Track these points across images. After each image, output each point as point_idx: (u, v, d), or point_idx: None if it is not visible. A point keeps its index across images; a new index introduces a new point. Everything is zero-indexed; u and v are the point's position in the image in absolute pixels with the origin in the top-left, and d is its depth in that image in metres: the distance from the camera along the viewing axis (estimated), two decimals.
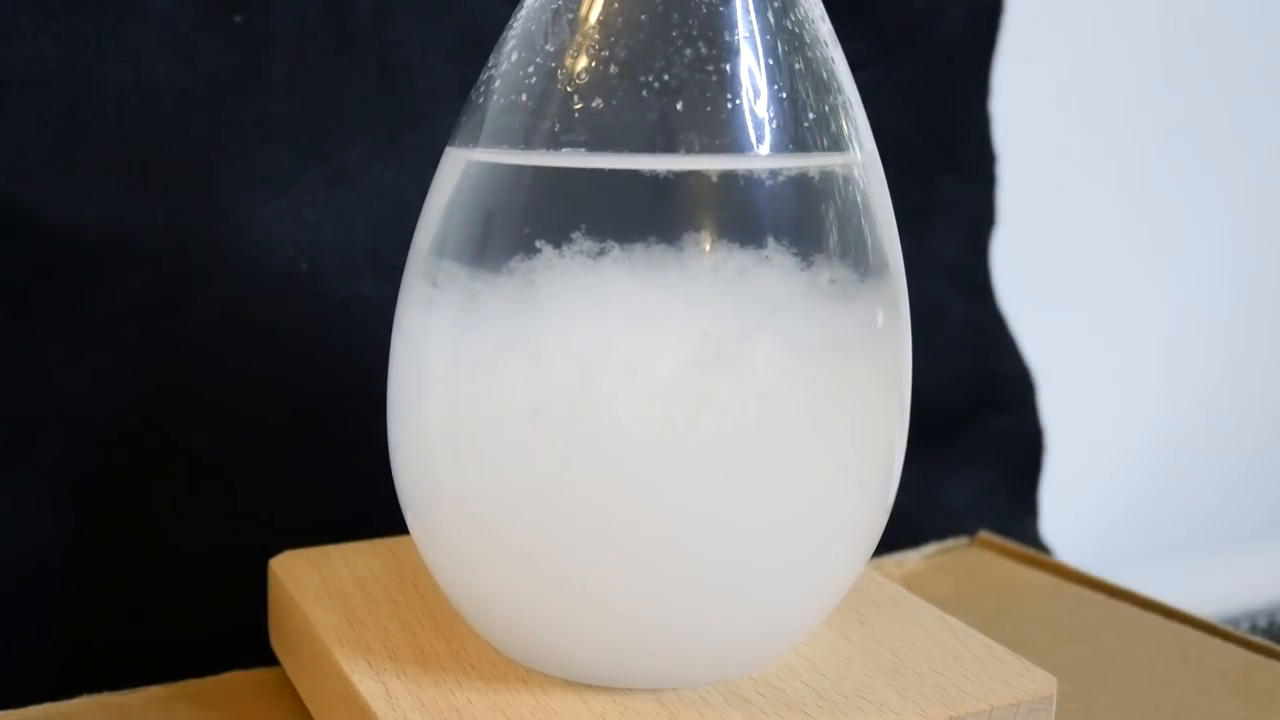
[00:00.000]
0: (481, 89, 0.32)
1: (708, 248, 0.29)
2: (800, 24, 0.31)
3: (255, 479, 0.45)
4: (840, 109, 0.31)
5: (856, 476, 0.32)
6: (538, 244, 0.30)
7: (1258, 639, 0.44)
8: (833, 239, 0.31)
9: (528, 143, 0.30)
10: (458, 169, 0.32)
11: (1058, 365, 0.64)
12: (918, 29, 0.57)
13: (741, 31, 0.30)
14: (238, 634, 0.42)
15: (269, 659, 0.41)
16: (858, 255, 0.31)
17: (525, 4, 0.32)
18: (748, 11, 0.30)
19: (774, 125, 0.30)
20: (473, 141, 0.32)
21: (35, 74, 0.41)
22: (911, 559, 0.51)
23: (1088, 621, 0.45)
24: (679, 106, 0.29)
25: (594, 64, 0.30)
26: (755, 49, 0.30)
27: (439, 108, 0.46)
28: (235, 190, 0.44)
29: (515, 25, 0.32)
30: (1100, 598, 0.47)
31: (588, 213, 0.30)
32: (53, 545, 0.43)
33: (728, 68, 0.30)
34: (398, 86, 0.46)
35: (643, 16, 0.30)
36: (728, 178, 0.30)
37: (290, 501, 0.46)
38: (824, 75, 0.31)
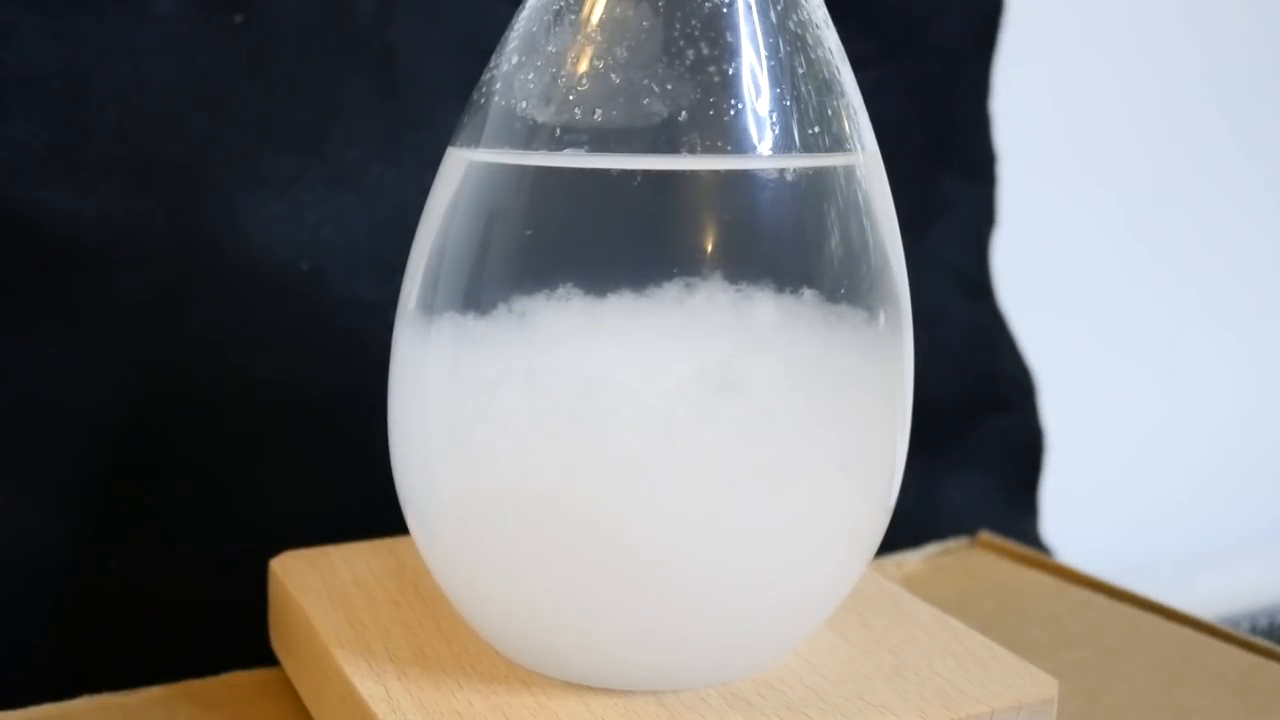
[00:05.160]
0: (483, 90, 0.32)
1: (709, 248, 0.29)
2: (803, 25, 0.31)
3: (255, 479, 0.45)
4: (842, 109, 0.31)
5: (858, 481, 0.32)
6: (539, 252, 0.30)
7: (1258, 640, 0.44)
8: (835, 239, 0.31)
9: (530, 144, 0.30)
10: (459, 170, 0.32)
11: (1058, 365, 0.64)
12: (918, 29, 0.57)
13: (743, 32, 0.30)
14: (238, 634, 0.42)
15: (269, 659, 0.41)
16: (860, 256, 0.31)
17: (527, 4, 0.32)
18: (750, 12, 0.30)
19: (776, 126, 0.30)
20: (474, 142, 0.32)
21: (35, 74, 0.41)
22: (912, 560, 0.51)
23: (1088, 623, 0.45)
24: (681, 107, 0.29)
25: (596, 65, 0.30)
26: (757, 50, 0.30)
27: (439, 108, 0.46)
28: (235, 190, 0.44)
29: (517, 26, 0.32)
30: (1101, 599, 0.47)
31: (589, 215, 0.30)
32: (53, 545, 0.43)
33: (730, 68, 0.30)
34: (398, 86, 0.46)
35: (644, 17, 0.30)
36: (730, 178, 0.30)
37: (290, 501, 0.46)
38: (826, 76, 0.31)
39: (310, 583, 0.38)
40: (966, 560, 0.51)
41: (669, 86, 0.29)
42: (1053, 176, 0.65)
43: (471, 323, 0.30)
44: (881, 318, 0.31)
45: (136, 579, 0.44)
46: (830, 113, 0.31)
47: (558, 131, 0.30)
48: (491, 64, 0.32)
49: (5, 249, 0.41)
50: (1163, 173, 0.69)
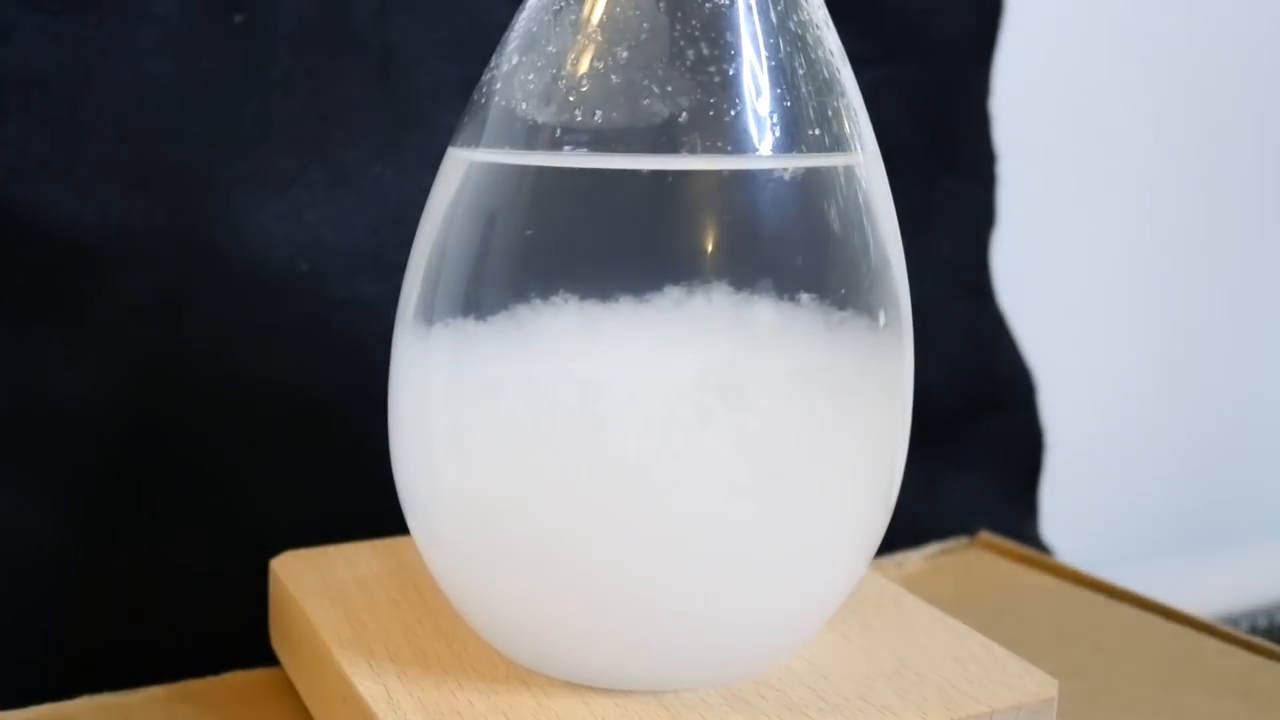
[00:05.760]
0: (483, 90, 0.32)
1: (710, 248, 0.29)
2: (803, 25, 0.31)
3: (255, 479, 0.45)
4: (842, 109, 0.31)
5: (858, 481, 0.32)
6: (539, 252, 0.30)
7: (1258, 640, 0.44)
8: (835, 239, 0.30)
9: (530, 144, 0.30)
10: (460, 170, 0.32)
11: (1058, 365, 0.64)
12: (918, 29, 0.57)
13: (744, 32, 0.30)
14: (238, 634, 0.42)
15: (269, 659, 0.41)
16: (860, 256, 0.31)
17: (527, 4, 0.32)
18: (750, 12, 0.30)
19: (776, 126, 0.30)
20: (474, 142, 0.32)
21: (35, 74, 0.41)
22: (912, 559, 0.51)
23: (1088, 623, 0.45)
24: (681, 107, 0.29)
25: (596, 64, 0.30)
26: (757, 50, 0.30)
27: (439, 108, 0.46)
28: (235, 190, 0.44)
29: (517, 25, 0.32)
30: (1101, 599, 0.47)
31: (590, 215, 0.30)
32: (53, 545, 0.43)
33: (730, 68, 0.30)
34: (398, 86, 0.46)
35: (645, 17, 0.30)
36: (730, 178, 0.30)
37: (290, 501, 0.46)
38: (826, 76, 0.31)
39: (310, 583, 0.38)
40: (966, 560, 0.51)
41: (669, 87, 0.29)
42: (1053, 176, 0.65)
43: (472, 323, 0.30)
44: (881, 318, 0.31)
45: (136, 579, 0.44)
46: (830, 113, 0.31)
47: (558, 132, 0.30)
48: (492, 64, 0.32)
49: (5, 249, 0.41)
50: (1162, 172, 0.69)
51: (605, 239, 0.30)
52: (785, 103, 0.30)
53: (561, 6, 0.31)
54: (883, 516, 0.33)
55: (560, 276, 0.29)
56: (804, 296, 0.30)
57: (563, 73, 0.30)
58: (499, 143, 0.31)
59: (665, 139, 0.29)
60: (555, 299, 0.29)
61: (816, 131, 0.31)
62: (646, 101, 0.29)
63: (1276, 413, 0.75)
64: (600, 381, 0.29)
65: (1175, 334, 0.71)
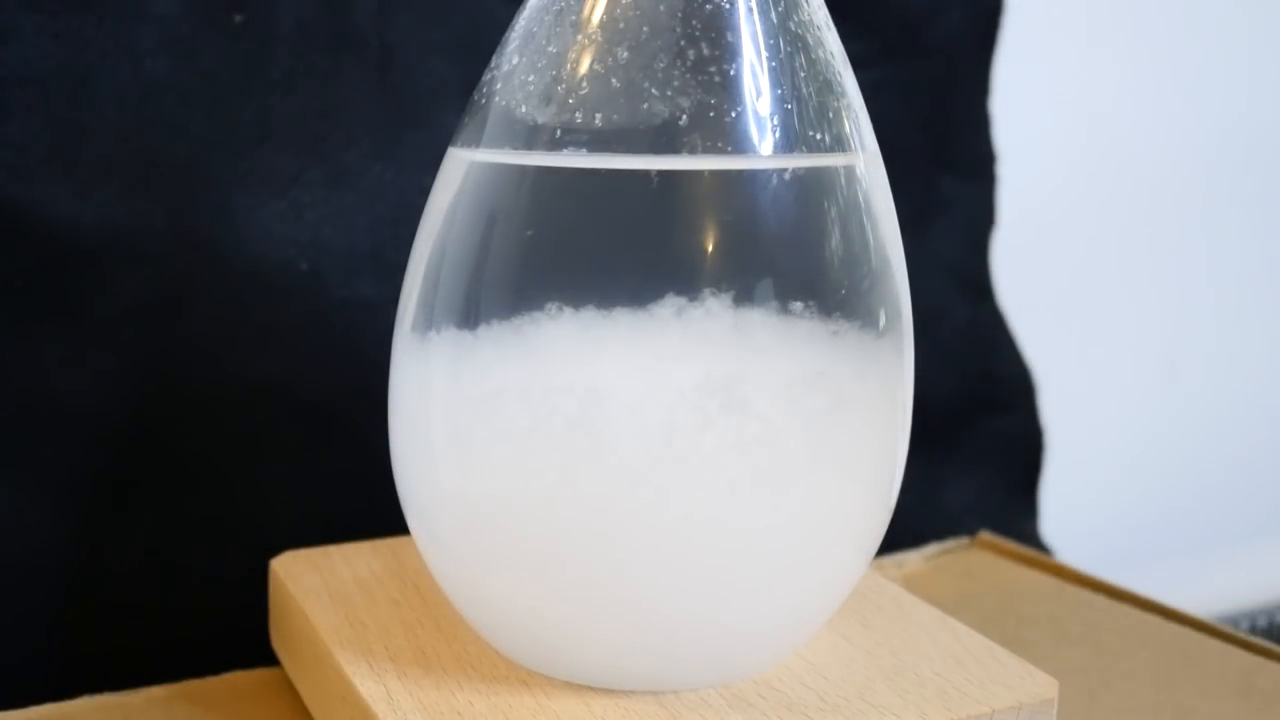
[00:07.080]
0: (484, 90, 0.32)
1: (710, 248, 0.29)
2: (803, 26, 0.31)
3: (255, 479, 0.45)
4: (843, 110, 0.31)
5: (859, 482, 0.32)
6: (539, 253, 0.30)
7: (1258, 640, 0.44)
8: (835, 240, 0.30)
9: (530, 144, 0.30)
10: (460, 170, 0.32)
11: (1058, 365, 0.64)
12: (918, 29, 0.57)
13: (744, 33, 0.30)
14: (238, 634, 0.42)
15: (269, 659, 0.41)
16: (860, 256, 0.31)
17: (527, 4, 0.32)
18: (750, 13, 0.30)
19: (776, 126, 0.30)
20: (475, 142, 0.32)
21: (35, 74, 0.41)
22: (912, 560, 0.51)
23: (1088, 623, 0.45)
24: (681, 107, 0.29)
25: (596, 65, 0.30)
26: (758, 50, 0.30)
27: (439, 108, 0.46)
28: (235, 190, 0.44)
29: (517, 26, 0.32)
30: (1101, 599, 0.47)
31: (590, 215, 0.30)
32: (53, 545, 0.43)
33: (730, 69, 0.30)
34: (398, 86, 0.46)
35: (645, 18, 0.30)
36: (730, 178, 0.30)
37: (290, 501, 0.46)
38: (826, 76, 0.31)
39: (310, 583, 0.38)
40: (966, 560, 0.51)
41: (670, 88, 0.29)
42: (1053, 176, 0.65)
43: (472, 324, 0.30)
44: (882, 318, 0.31)
45: (136, 579, 0.44)
46: (831, 113, 0.31)
47: (558, 132, 0.30)
48: (492, 64, 0.32)
49: (5, 249, 0.41)
50: (1162, 172, 0.69)
51: (606, 239, 0.30)
52: (786, 104, 0.30)
53: (562, 7, 0.31)
54: (883, 517, 0.33)
55: (561, 276, 0.29)
56: (804, 296, 0.30)
57: (563, 73, 0.30)
58: (499, 143, 0.31)
59: (666, 140, 0.29)
60: (556, 300, 0.29)
61: (817, 132, 0.31)
62: (647, 103, 0.29)
63: (1276, 412, 0.75)
64: (600, 383, 0.29)
65: (1175, 333, 0.71)
